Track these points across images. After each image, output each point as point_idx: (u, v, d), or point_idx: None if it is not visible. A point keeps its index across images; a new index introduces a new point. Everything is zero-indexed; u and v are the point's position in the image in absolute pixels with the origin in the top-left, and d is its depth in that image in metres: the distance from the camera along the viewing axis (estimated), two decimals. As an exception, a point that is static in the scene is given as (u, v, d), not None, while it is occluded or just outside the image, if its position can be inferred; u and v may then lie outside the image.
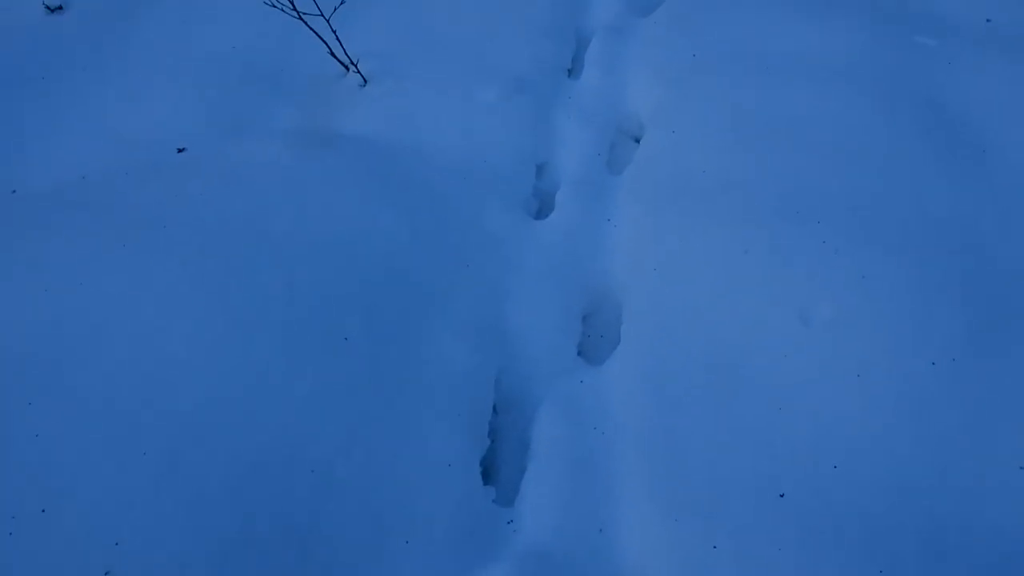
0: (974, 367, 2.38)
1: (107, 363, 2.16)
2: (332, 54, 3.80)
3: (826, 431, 2.30)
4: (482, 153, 3.42)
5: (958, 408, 2.30)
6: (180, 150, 3.39)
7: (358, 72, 3.80)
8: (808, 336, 2.51)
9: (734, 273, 2.72)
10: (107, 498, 1.93)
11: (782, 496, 2.16)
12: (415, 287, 2.76)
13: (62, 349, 2.18)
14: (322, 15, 3.65)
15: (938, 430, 2.26)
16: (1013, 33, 3.74)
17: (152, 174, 2.99)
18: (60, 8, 4.16)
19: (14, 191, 3.08)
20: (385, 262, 2.77)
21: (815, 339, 2.50)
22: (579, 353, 2.81)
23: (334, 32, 3.74)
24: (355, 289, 2.63)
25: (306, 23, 3.67)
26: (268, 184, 2.92)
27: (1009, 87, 3.40)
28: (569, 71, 4.08)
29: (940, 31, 3.79)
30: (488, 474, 2.49)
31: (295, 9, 3.57)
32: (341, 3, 3.72)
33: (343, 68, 3.87)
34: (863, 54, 3.62)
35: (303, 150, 3.17)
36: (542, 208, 3.40)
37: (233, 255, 2.56)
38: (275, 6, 3.60)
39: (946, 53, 3.63)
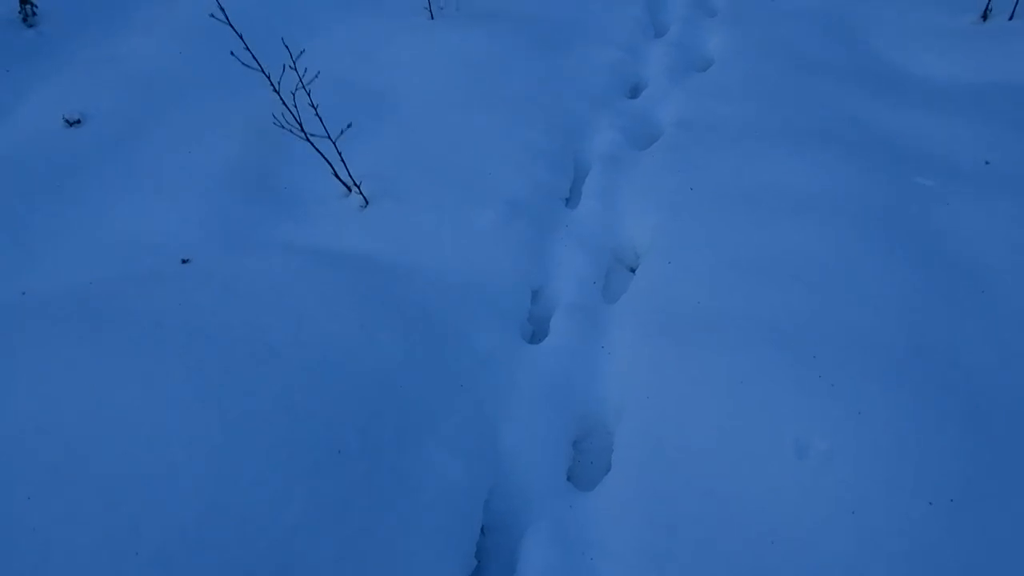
0: (973, 509, 2.35)
1: (106, 465, 2.16)
2: (336, 175, 3.89)
3: (820, 568, 2.25)
4: (479, 276, 3.46)
5: (956, 552, 2.26)
6: (184, 261, 3.43)
7: (360, 193, 3.88)
8: (803, 469, 2.49)
9: (728, 404, 2.72)
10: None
11: (774, 634, 2.10)
12: (409, 405, 2.75)
13: (63, 449, 2.18)
14: (329, 137, 3.76)
15: (936, 574, 2.21)
16: (1012, 174, 3.80)
17: (156, 283, 3.03)
18: (78, 122, 4.28)
19: (24, 293, 3.11)
20: (380, 379, 2.77)
21: (810, 473, 2.48)
22: (569, 478, 2.79)
23: (339, 154, 3.84)
24: (351, 404, 2.63)
25: (313, 145, 3.77)
26: (268, 298, 2.95)
27: (1009, 227, 3.42)
28: (567, 199, 4.17)
29: (938, 172, 3.85)
30: (475, 596, 2.43)
31: (303, 131, 3.68)
32: (348, 127, 3.83)
33: (346, 188, 3.95)
34: (861, 192, 3.68)
35: (303, 266, 3.21)
36: (537, 333, 3.42)
37: (232, 366, 2.58)
38: (284, 127, 3.71)
39: (944, 193, 3.68)
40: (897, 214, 3.54)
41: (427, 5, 5.64)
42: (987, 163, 3.90)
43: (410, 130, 4.46)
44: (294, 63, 3.61)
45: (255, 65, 3.56)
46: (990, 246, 3.35)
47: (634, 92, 5.16)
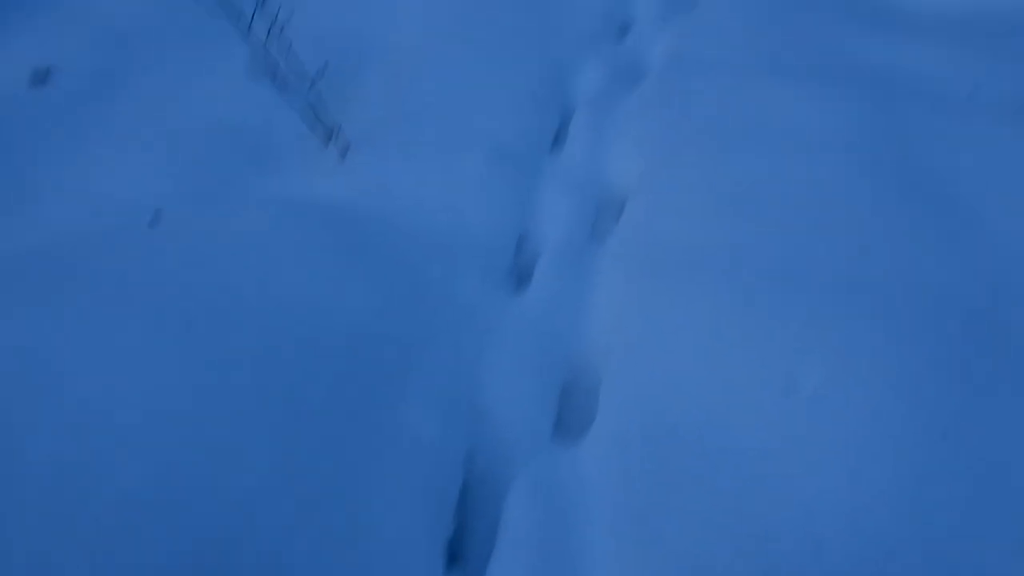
0: (967, 441, 2.26)
1: (51, 429, 2.03)
2: (315, 118, 3.76)
3: (812, 507, 2.17)
4: (462, 224, 3.34)
5: (951, 484, 2.18)
6: (154, 217, 3.32)
7: (338, 142, 3.76)
8: (793, 406, 2.39)
9: (718, 342, 2.62)
10: None
11: (764, 580, 2.03)
12: (384, 359, 2.65)
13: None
14: (305, 85, 3.62)
15: (931, 508, 2.14)
16: (1001, 100, 3.71)
17: (124, 239, 2.91)
18: (48, 73, 4.15)
19: (-17, 252, 3.02)
20: (354, 332, 2.66)
21: (801, 410, 2.38)
22: (555, 430, 2.69)
23: (314, 103, 3.71)
24: (322, 360, 2.52)
25: (287, 95, 3.64)
26: (238, 252, 2.84)
27: (999, 155, 3.34)
28: (553, 142, 4.04)
29: (929, 100, 3.76)
30: (454, 557, 2.35)
31: (277, 78, 3.54)
32: (325, 66, 3.67)
33: (325, 137, 3.83)
34: (849, 124, 3.57)
35: (275, 219, 3.09)
36: (522, 279, 3.31)
37: (197, 322, 2.46)
38: (258, 76, 3.57)
39: (937, 123, 3.58)
40: (891, 147, 3.42)
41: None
42: (976, 87, 3.77)
43: (392, 75, 4.31)
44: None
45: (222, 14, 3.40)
46: (981, 175, 3.25)
47: (622, 32, 5.00)
